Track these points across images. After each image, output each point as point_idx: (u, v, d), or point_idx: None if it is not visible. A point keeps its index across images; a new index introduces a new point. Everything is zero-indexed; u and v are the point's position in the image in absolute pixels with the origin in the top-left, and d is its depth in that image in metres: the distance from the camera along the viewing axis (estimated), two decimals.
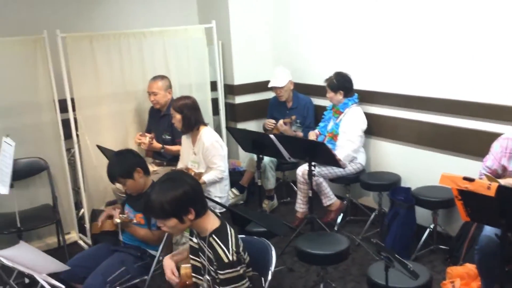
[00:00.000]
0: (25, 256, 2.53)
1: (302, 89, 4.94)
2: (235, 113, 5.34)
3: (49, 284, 2.42)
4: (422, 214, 3.87)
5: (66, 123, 4.17)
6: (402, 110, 4.14)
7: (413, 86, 4.02)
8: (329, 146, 3.93)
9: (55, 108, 4.14)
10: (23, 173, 3.94)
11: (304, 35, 5.00)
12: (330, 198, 4.33)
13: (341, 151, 4.11)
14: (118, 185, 3.88)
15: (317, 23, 4.84)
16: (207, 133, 3.83)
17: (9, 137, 3.35)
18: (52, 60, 4.00)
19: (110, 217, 3.16)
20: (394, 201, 3.83)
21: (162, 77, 4.36)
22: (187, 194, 2.13)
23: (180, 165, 4.03)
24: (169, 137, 4.30)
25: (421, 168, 4.02)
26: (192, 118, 3.82)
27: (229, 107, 5.31)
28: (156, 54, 4.59)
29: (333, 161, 3.77)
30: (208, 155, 3.76)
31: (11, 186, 3.29)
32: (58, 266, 2.66)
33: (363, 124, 4.24)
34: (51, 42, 3.96)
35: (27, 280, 3.20)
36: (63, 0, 4.65)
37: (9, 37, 3.92)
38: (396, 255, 2.28)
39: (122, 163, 3.08)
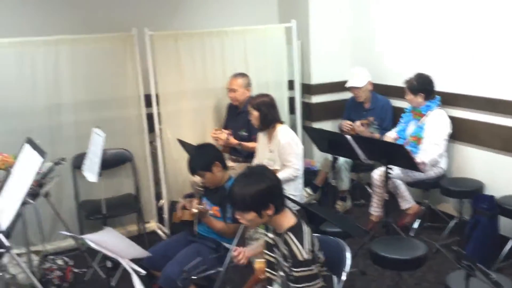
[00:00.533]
0: (111, 241, 2.69)
1: (381, 90, 4.84)
2: (311, 112, 5.33)
3: (132, 268, 2.56)
4: (505, 224, 3.68)
5: (150, 117, 4.38)
6: (487, 114, 3.94)
7: (498, 88, 3.81)
8: (409, 149, 3.83)
9: (141, 103, 4.36)
10: (110, 163, 4.15)
11: (384, 35, 4.90)
12: (408, 201, 4.22)
13: (426, 155, 3.98)
14: (197, 178, 4.02)
15: (397, 22, 4.73)
16: (283, 131, 3.86)
17: (99, 128, 3.56)
18: (139, 57, 4.22)
19: (188, 208, 3.29)
20: (476, 209, 3.67)
21: (242, 75, 4.46)
22: (269, 190, 2.17)
23: (255, 162, 4.09)
24: (246, 134, 4.37)
25: (506, 176, 3.82)
26: (269, 115, 3.86)
27: (306, 106, 5.32)
28: (236, 52, 4.69)
29: (412, 165, 3.67)
30: (284, 153, 3.79)
31: (100, 174, 3.50)
32: (140, 252, 2.80)
33: (448, 127, 4.09)
34: (139, 39, 4.17)
35: (109, 264, 3.38)
36: (153, 0, 4.86)
37: (101, 34, 4.18)
38: (479, 264, 2.19)
39: (202, 157, 3.19)
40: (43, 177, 3.25)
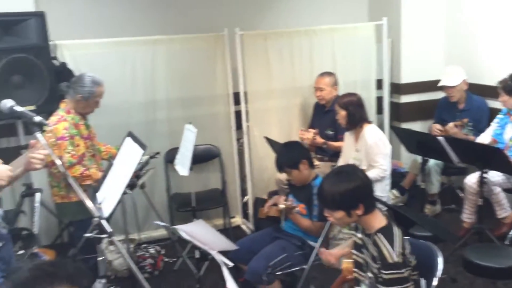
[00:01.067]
0: (201, 232, 2.81)
1: (476, 90, 4.60)
2: (399, 112, 5.19)
3: (220, 260, 2.65)
4: None
5: (238, 115, 4.50)
6: None
7: None
8: (508, 153, 3.61)
9: (229, 101, 4.48)
10: (199, 158, 4.28)
11: (479, 32, 4.65)
12: (505, 210, 3.98)
13: None
14: (282, 176, 4.07)
15: (494, 18, 4.47)
16: (371, 131, 3.79)
17: (191, 124, 3.71)
18: (229, 56, 4.34)
19: (275, 204, 3.34)
20: None
21: (330, 74, 4.44)
22: (359, 189, 2.16)
23: (341, 162, 4.06)
24: (332, 133, 4.35)
25: None
26: (356, 115, 3.81)
27: (394, 106, 5.18)
28: (324, 51, 4.69)
29: (510, 170, 3.46)
30: (371, 153, 3.73)
31: (190, 169, 3.65)
32: (228, 245, 2.90)
33: None
34: (230, 39, 4.30)
35: (197, 255, 3.52)
36: (242, 1, 4.98)
37: (194, 34, 4.36)
38: None
39: (290, 154, 3.23)
40: (139, 169, 3.44)
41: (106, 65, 4.07)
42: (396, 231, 2.20)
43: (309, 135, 4.26)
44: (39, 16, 3.59)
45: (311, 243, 3.20)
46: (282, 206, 3.14)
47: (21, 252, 3.03)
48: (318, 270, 3.56)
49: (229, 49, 4.34)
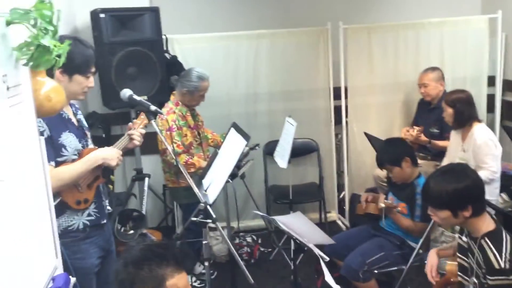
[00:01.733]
0: (299, 224, 2.84)
1: None
2: None
3: (317, 253, 2.67)
4: None
5: (337, 110, 4.47)
6: None
7: None
8: None
9: (330, 95, 4.47)
10: (298, 151, 4.31)
11: None
12: None
13: None
14: (381, 173, 3.99)
15: None
16: (480, 130, 3.59)
17: (291, 117, 3.76)
18: (332, 50, 4.32)
19: (373, 201, 3.28)
20: None
21: (434, 69, 4.26)
22: (469, 190, 2.07)
23: (446, 161, 3.88)
24: (437, 131, 4.18)
25: None
26: (465, 113, 3.62)
27: (506, 104, 4.84)
28: (432, 46, 4.50)
29: None
30: (480, 154, 3.53)
31: (289, 162, 3.70)
32: (325, 239, 2.91)
33: None
34: (333, 33, 4.27)
35: (293, 247, 3.57)
36: None
37: (297, 29, 4.39)
38: None
39: (392, 150, 3.16)
40: (240, 160, 3.55)
41: (212, 58, 4.26)
42: (506, 237, 2.08)
43: (413, 132, 4.12)
44: (154, 11, 3.82)
45: (411, 243, 3.11)
46: (382, 205, 3.07)
47: (131, 232, 3.26)
48: (417, 272, 3.45)
49: (331, 43, 4.32)
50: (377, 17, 4.85)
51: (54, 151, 2.17)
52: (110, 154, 2.28)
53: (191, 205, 3.46)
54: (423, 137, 4.10)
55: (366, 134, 4.13)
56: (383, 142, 3.39)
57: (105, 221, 2.42)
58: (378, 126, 4.54)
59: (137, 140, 2.48)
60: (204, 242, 2.42)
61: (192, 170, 3.41)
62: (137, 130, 2.47)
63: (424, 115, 4.35)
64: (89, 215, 2.31)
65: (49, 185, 1.86)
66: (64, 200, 2.19)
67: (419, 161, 4.20)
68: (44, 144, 1.85)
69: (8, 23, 1.52)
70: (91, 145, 2.41)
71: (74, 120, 2.34)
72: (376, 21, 4.66)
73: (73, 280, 1.90)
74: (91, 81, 2.30)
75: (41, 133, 2.10)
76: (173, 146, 3.36)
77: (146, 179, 3.96)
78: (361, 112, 4.54)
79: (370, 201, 3.28)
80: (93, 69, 2.29)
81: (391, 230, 3.19)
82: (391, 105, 4.61)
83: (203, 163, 3.44)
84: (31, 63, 1.58)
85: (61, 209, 2.21)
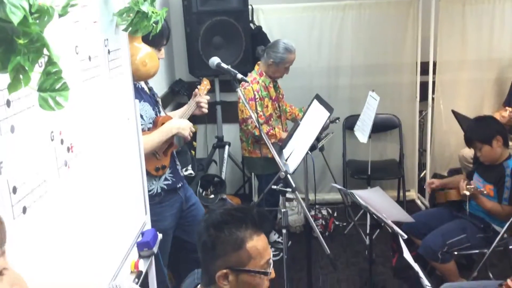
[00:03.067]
0: (378, 200, 2.81)
1: None
2: None
3: (395, 229, 2.63)
4: None
5: (423, 86, 4.29)
6: None
7: None
8: None
9: (416, 70, 4.30)
10: (379, 127, 4.20)
11: None
12: None
13: None
14: (468, 153, 3.83)
15: None
16: None
17: (374, 92, 3.68)
18: (421, 23, 4.14)
19: (448, 187, 3.18)
20: None
21: None
22: None
23: None
24: None
25: None
26: None
27: None
28: None
29: None
30: None
31: (369, 137, 3.64)
32: (404, 216, 2.86)
33: None
34: (424, 5, 4.08)
35: (369, 222, 3.54)
36: None
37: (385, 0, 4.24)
38: None
39: (483, 128, 3.01)
40: (320, 132, 3.54)
41: (296, 29, 4.23)
42: None
43: (505, 114, 3.88)
44: None
45: (496, 227, 2.97)
46: (467, 193, 2.92)
47: (212, 196, 3.39)
48: (499, 257, 3.32)
49: (421, 16, 4.13)
50: None
51: None
52: (184, 125, 2.40)
53: (267, 175, 3.53)
54: None
55: (453, 112, 3.95)
56: (473, 119, 3.23)
57: (180, 184, 2.54)
58: (467, 105, 4.33)
59: (205, 108, 2.60)
60: (283, 210, 2.46)
61: (273, 140, 3.46)
62: (203, 96, 2.60)
63: None
64: (165, 179, 2.44)
65: (141, 146, 1.98)
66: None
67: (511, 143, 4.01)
68: (138, 107, 1.96)
69: None
70: (162, 113, 2.52)
71: (146, 89, 2.45)
72: None
73: (160, 236, 2.03)
74: (162, 53, 2.39)
75: None
76: (256, 116, 3.41)
77: (226, 147, 4.07)
78: (449, 89, 4.33)
79: (445, 187, 3.17)
80: (165, 42, 2.37)
81: (475, 212, 3.07)
82: (482, 83, 4.37)
83: (284, 135, 3.48)
84: (130, 28, 1.66)
85: None
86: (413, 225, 3.05)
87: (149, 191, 2.37)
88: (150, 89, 2.51)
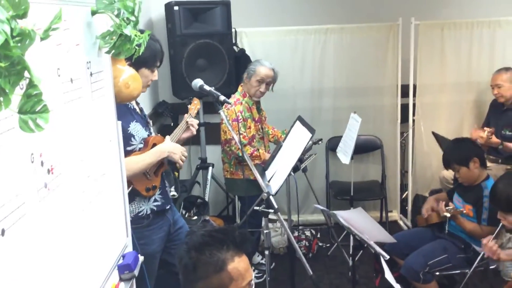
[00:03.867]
0: (360, 220, 2.83)
1: None
2: None
3: (377, 250, 2.65)
4: None
5: (404, 108, 4.37)
6: None
7: None
8: None
9: (397, 92, 4.38)
10: (361, 148, 4.25)
11: None
12: None
13: None
14: (448, 174, 3.88)
15: None
16: None
17: (356, 113, 3.73)
18: (402, 47, 4.23)
19: (434, 210, 3.21)
20: None
21: (507, 69, 4.07)
22: None
23: None
24: (510, 133, 4.00)
25: None
26: None
27: None
28: (508, 45, 4.30)
29: None
30: None
31: (351, 158, 3.68)
32: (386, 237, 2.88)
33: None
34: (403, 29, 4.18)
35: (352, 243, 3.55)
36: None
37: (367, 24, 4.32)
38: None
39: (460, 150, 3.08)
40: (303, 153, 3.57)
41: (279, 52, 4.29)
42: None
43: (484, 134, 3.96)
44: (225, 5, 3.92)
45: (477, 248, 3.01)
46: (447, 214, 2.97)
47: (195, 217, 3.37)
48: (481, 277, 3.35)
49: (401, 40, 4.23)
50: (451, 13, 4.67)
51: (124, 141, 2.29)
52: (175, 148, 2.41)
53: (250, 197, 3.54)
54: (494, 139, 3.93)
55: (434, 133, 4.03)
56: (451, 141, 3.30)
57: (169, 206, 2.53)
58: (447, 126, 4.41)
59: (195, 128, 2.61)
60: (265, 231, 2.46)
61: (257, 161, 3.47)
62: (193, 116, 2.63)
63: (496, 117, 4.17)
64: (155, 200, 2.43)
65: (123, 168, 1.98)
66: (135, 188, 2.32)
67: (489, 164, 4.07)
68: (121, 128, 1.96)
69: (94, 13, 1.62)
70: (153, 133, 2.53)
71: (137, 109, 2.46)
72: (449, 17, 4.50)
73: (141, 258, 2.02)
74: (155, 74, 2.40)
75: None
76: (239, 137, 3.43)
77: (210, 168, 4.07)
78: (429, 111, 4.42)
79: (431, 209, 3.21)
80: (158, 63, 2.39)
81: (455, 232, 3.11)
82: (461, 105, 4.47)
83: (268, 156, 3.49)
84: (113, 51, 1.68)
85: (131, 196, 2.34)
86: (396, 245, 3.07)
87: (138, 212, 2.37)
88: (141, 109, 2.52)
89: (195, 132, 2.64)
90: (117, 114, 2.24)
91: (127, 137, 2.29)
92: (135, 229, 2.36)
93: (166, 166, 2.50)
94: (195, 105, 2.69)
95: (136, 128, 2.35)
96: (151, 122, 2.59)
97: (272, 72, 3.59)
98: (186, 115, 2.67)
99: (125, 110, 2.31)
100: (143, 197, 2.37)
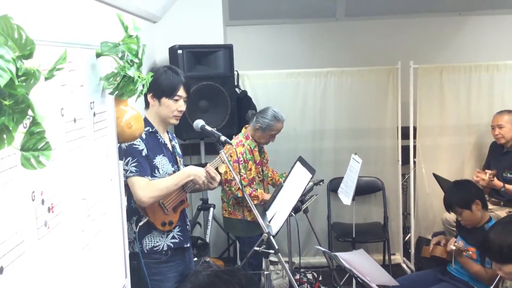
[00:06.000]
0: (362, 263, 2.80)
1: None
2: None
3: None
4: None
5: (405, 149, 4.39)
6: None
7: None
8: None
9: (398, 135, 4.41)
10: (363, 189, 4.28)
11: None
12: None
13: None
14: (450, 216, 3.85)
15: None
16: None
17: (357, 155, 3.75)
18: (401, 89, 4.29)
19: (439, 243, 3.18)
20: None
21: (509, 111, 4.11)
22: None
23: None
24: (511, 176, 4.00)
25: None
26: None
27: None
28: (507, 88, 4.36)
29: None
30: None
31: (353, 199, 3.67)
32: (389, 280, 2.84)
33: None
34: (403, 72, 4.26)
35: (354, 286, 3.49)
36: (417, 33, 4.88)
37: (367, 67, 4.41)
38: None
39: (461, 193, 3.06)
40: (304, 194, 3.57)
41: (280, 94, 4.36)
42: None
43: (485, 176, 3.96)
44: (228, 48, 4.00)
45: None
46: (452, 247, 2.95)
47: (195, 259, 3.33)
48: None
49: (401, 82, 4.30)
50: (449, 57, 4.78)
51: (150, 169, 2.36)
52: (200, 172, 2.43)
53: (248, 238, 3.50)
54: (496, 181, 3.93)
55: (435, 175, 4.03)
56: (452, 183, 3.29)
57: (188, 244, 2.53)
58: (448, 168, 4.41)
59: (215, 183, 2.53)
60: (265, 272, 2.44)
61: (256, 202, 3.46)
62: (222, 161, 2.55)
63: (497, 159, 4.18)
64: (173, 237, 2.44)
65: (123, 208, 1.98)
66: (150, 221, 2.33)
67: (491, 207, 4.06)
68: (122, 168, 1.98)
69: (98, 55, 1.67)
70: None
71: (169, 145, 2.50)
72: (448, 61, 4.59)
73: None
74: (181, 104, 2.44)
75: (140, 152, 2.30)
76: (240, 178, 3.43)
77: (211, 209, 4.06)
78: (430, 153, 4.44)
79: (438, 243, 3.19)
80: (180, 93, 2.42)
81: (459, 275, 3.06)
82: (462, 147, 4.48)
83: (267, 196, 3.49)
84: (116, 92, 1.72)
85: (147, 229, 2.37)
86: None
87: (154, 246, 2.39)
88: (173, 146, 2.57)
89: (201, 185, 2.52)
90: (147, 145, 2.33)
91: (152, 168, 2.37)
92: (150, 263, 2.36)
93: (188, 204, 2.52)
94: (227, 150, 2.63)
95: (162, 162, 2.41)
96: (181, 160, 2.61)
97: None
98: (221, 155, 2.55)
99: (154, 142, 2.40)
100: (160, 231, 2.38)
